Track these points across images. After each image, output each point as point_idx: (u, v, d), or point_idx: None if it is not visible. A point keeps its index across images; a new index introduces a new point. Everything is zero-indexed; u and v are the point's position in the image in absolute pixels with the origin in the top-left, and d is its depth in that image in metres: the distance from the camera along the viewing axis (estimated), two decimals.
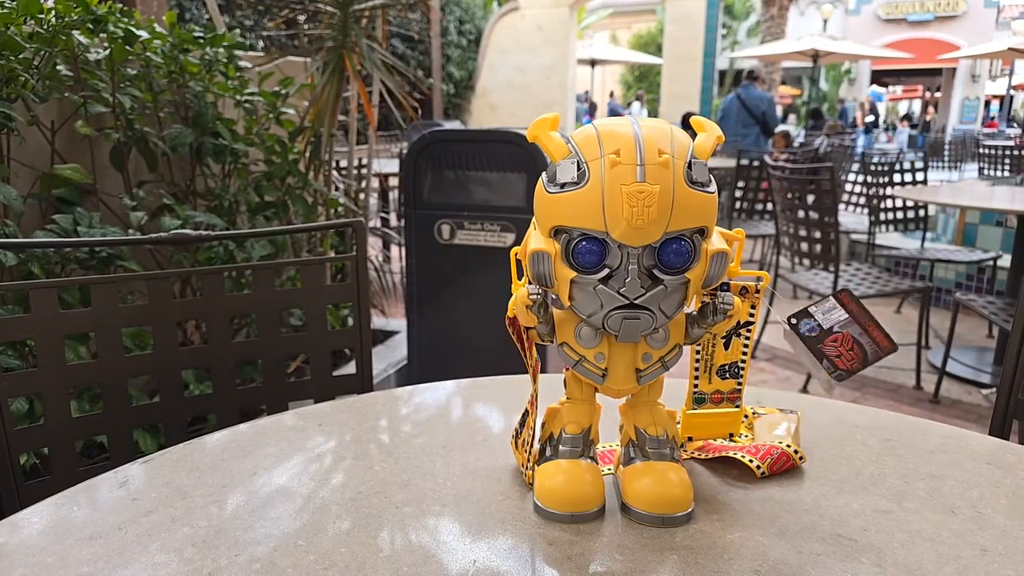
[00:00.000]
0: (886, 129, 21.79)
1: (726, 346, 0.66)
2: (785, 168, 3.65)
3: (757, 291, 0.64)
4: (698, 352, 0.67)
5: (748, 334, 0.65)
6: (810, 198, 3.05)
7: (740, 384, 0.67)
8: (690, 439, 0.71)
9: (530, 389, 0.65)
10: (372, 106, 2.72)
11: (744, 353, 0.66)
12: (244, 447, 0.73)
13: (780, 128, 6.93)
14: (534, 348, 0.62)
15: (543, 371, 0.66)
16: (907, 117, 21.59)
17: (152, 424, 1.07)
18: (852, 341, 0.64)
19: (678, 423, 0.67)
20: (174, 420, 1.05)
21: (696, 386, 0.67)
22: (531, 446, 0.65)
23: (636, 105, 16.38)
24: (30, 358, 1.39)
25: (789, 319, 0.65)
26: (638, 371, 0.58)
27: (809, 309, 0.65)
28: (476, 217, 2.32)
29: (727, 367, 0.66)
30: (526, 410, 0.66)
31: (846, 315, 0.65)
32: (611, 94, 19.38)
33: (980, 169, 6.94)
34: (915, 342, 3.17)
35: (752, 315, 0.65)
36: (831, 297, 0.65)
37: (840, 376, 0.65)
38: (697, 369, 0.67)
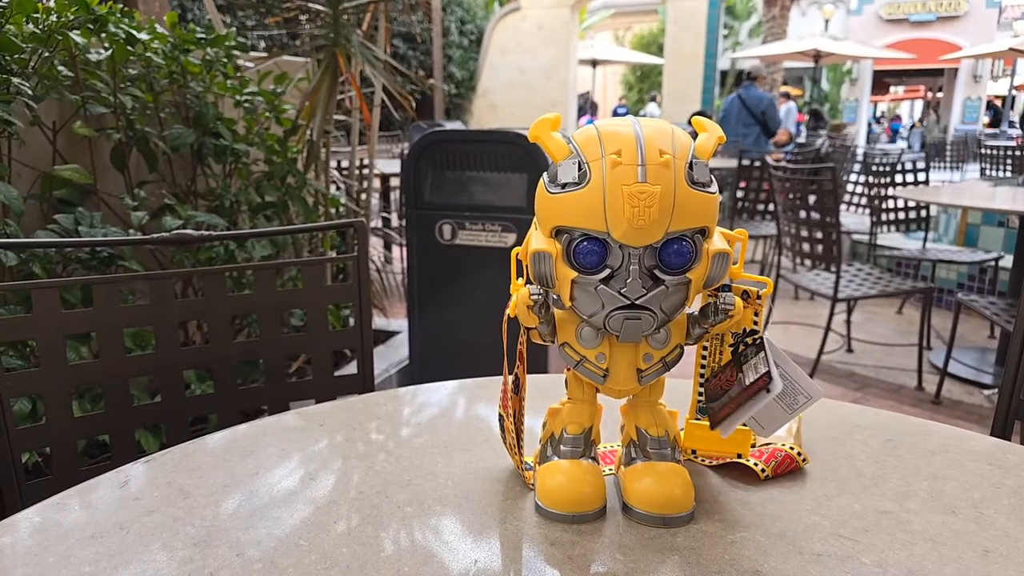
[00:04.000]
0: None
1: (733, 355, 0.65)
2: (786, 168, 3.65)
3: (759, 298, 0.63)
4: (704, 359, 0.66)
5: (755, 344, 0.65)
6: (811, 198, 3.05)
7: None
8: (695, 453, 0.69)
9: (499, 393, 0.64)
10: (374, 107, 2.72)
11: None
12: (246, 447, 0.73)
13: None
14: (524, 357, 0.62)
15: (544, 371, 0.66)
16: (897, 116, 21.63)
17: (154, 424, 1.07)
18: (725, 391, 0.63)
19: (681, 427, 0.67)
20: (175, 420, 1.05)
21: (701, 394, 0.67)
22: (519, 449, 0.65)
23: (652, 106, 16.36)
24: (32, 358, 1.39)
25: (759, 337, 0.63)
26: (639, 371, 0.58)
27: (764, 354, 0.61)
28: (477, 217, 2.32)
29: None
30: (500, 415, 0.66)
31: (745, 384, 0.60)
32: (621, 99, 19.34)
33: (982, 170, 6.93)
34: (917, 343, 3.17)
35: (756, 323, 0.64)
36: (765, 372, 0.59)
37: (705, 378, 0.66)
38: (702, 376, 0.66)
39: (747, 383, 0.60)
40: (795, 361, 0.64)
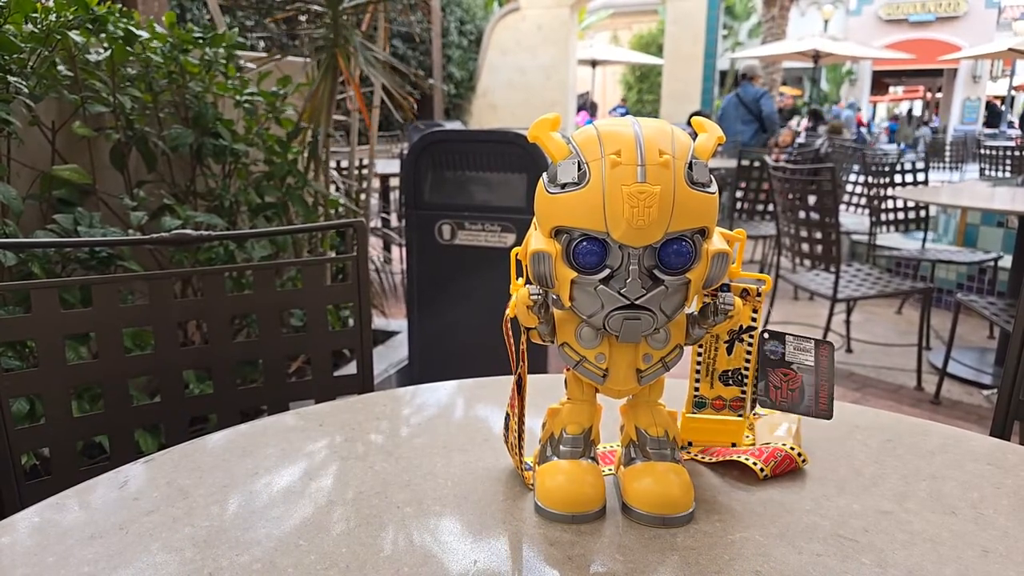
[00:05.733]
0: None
1: (729, 351, 0.65)
2: (786, 169, 3.65)
3: (759, 294, 0.63)
4: (699, 355, 0.66)
5: (751, 340, 0.65)
6: (811, 199, 3.05)
7: (744, 392, 0.67)
8: (691, 444, 0.70)
9: (507, 392, 0.65)
10: (373, 107, 2.72)
11: (747, 360, 0.66)
12: (245, 447, 0.73)
13: (785, 129, 6.95)
14: (525, 357, 0.62)
15: (543, 371, 0.66)
16: (896, 117, 21.71)
17: (153, 424, 1.07)
18: (799, 385, 0.64)
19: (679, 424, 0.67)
20: (175, 420, 1.05)
21: (697, 389, 0.67)
22: (519, 449, 0.65)
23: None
24: (31, 358, 1.39)
25: (763, 332, 0.65)
26: (639, 372, 0.58)
27: (786, 336, 0.65)
28: (477, 217, 2.32)
29: (730, 373, 0.66)
30: (507, 413, 0.66)
31: (812, 363, 0.64)
32: (623, 100, 19.34)
33: (981, 170, 6.94)
34: (916, 343, 3.17)
35: (754, 319, 0.64)
36: (813, 341, 0.65)
37: (764, 403, 0.65)
38: (698, 372, 0.67)
39: (811, 364, 0.64)
40: None
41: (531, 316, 0.57)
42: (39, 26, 1.60)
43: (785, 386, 0.64)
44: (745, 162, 4.54)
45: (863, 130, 16.13)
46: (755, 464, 0.68)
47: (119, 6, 1.82)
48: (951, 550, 0.56)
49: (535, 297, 0.56)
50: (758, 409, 0.79)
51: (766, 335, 0.64)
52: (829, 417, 0.64)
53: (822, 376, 0.63)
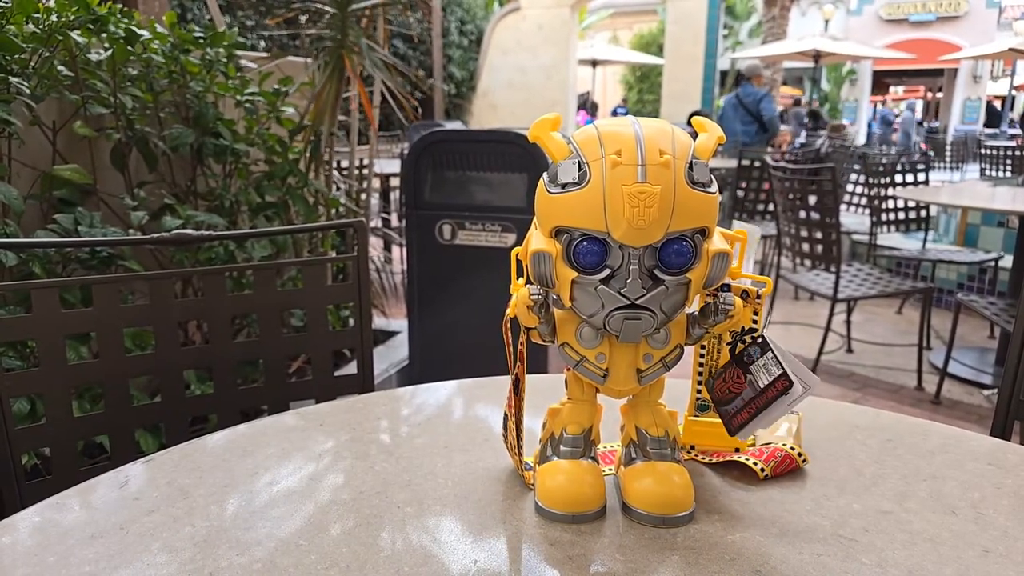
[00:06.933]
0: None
1: (731, 354, 0.65)
2: (786, 168, 3.65)
3: (759, 296, 0.63)
4: (702, 357, 0.66)
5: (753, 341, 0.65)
6: (812, 199, 3.05)
7: None
8: (692, 448, 0.70)
9: (506, 392, 0.65)
10: (373, 107, 2.72)
11: None
12: (245, 447, 0.73)
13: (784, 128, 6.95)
14: (524, 357, 0.62)
15: (544, 371, 0.66)
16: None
17: (153, 424, 1.07)
18: (737, 393, 0.62)
19: (680, 424, 0.67)
20: (175, 420, 1.05)
21: (699, 392, 0.67)
22: (519, 449, 0.65)
23: None
24: (31, 358, 1.39)
25: (759, 336, 0.64)
26: (639, 371, 0.58)
27: (770, 351, 0.61)
28: (477, 217, 2.32)
29: None
30: (505, 414, 0.66)
31: (762, 385, 0.60)
32: (624, 100, 19.32)
33: (982, 170, 6.94)
34: (916, 343, 3.17)
35: (755, 321, 0.64)
36: (782, 371, 0.60)
37: (708, 384, 0.65)
38: (701, 374, 0.67)
39: (760, 386, 0.60)
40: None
41: (531, 316, 0.57)
42: (40, 26, 1.60)
43: (730, 384, 0.63)
44: (745, 162, 4.54)
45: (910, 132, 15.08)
46: (755, 464, 0.68)
47: (120, 6, 1.83)
48: (951, 550, 0.56)
49: (535, 297, 0.56)
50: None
51: (759, 340, 0.63)
52: (731, 435, 0.62)
53: (757, 402, 0.60)
